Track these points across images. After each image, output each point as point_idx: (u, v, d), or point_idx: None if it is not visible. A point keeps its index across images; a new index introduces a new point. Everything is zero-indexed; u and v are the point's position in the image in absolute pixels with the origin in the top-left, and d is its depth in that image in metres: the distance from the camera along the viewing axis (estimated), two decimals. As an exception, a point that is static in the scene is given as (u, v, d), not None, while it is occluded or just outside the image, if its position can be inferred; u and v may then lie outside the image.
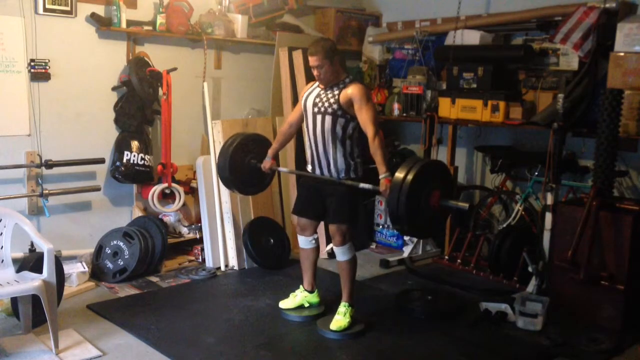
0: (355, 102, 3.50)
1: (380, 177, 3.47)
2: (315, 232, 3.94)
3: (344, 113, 3.55)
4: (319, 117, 3.61)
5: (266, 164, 3.97)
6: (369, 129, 3.49)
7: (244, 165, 4.04)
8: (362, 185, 3.57)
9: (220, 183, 4.87)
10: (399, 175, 3.17)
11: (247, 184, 4.16)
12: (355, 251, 3.82)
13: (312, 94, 3.69)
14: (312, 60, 3.56)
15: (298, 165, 5.03)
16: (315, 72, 3.60)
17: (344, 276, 3.77)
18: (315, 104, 3.63)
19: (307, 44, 5.38)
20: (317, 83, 3.70)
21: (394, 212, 3.15)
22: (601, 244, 3.87)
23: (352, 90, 3.52)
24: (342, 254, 3.73)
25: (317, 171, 3.73)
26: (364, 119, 3.49)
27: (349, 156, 3.64)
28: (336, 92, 3.57)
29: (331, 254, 5.11)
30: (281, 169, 4.23)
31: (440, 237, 5.22)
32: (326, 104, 3.58)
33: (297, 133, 5.21)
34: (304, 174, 3.92)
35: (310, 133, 3.69)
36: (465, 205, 3.14)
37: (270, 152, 3.99)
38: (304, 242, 3.94)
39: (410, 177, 3.14)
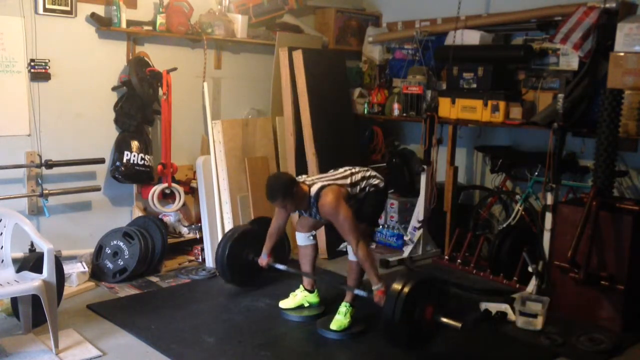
0: (331, 220, 3.54)
1: (373, 288, 3.49)
2: (314, 230, 3.95)
3: None
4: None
5: (262, 261, 4.05)
6: (349, 240, 3.52)
7: (241, 257, 4.18)
8: (356, 291, 3.67)
9: (220, 183, 4.89)
10: (396, 287, 3.22)
11: (243, 276, 4.27)
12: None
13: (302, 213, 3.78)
14: (275, 205, 3.65)
15: (298, 172, 5.03)
16: (283, 209, 3.71)
17: (352, 276, 3.78)
18: (314, 218, 3.76)
19: (307, 44, 5.44)
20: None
21: (388, 323, 3.20)
22: (601, 244, 3.87)
23: (323, 210, 3.52)
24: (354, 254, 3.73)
25: None
26: (343, 232, 3.52)
27: (362, 194, 3.72)
28: (316, 213, 3.62)
29: (331, 253, 5.12)
30: (278, 265, 4.13)
31: (440, 237, 5.22)
32: (323, 221, 3.73)
33: (298, 136, 5.25)
34: (303, 273, 3.98)
35: None
36: (458, 324, 3.21)
37: (265, 250, 4.04)
38: (301, 238, 3.95)
39: (406, 290, 3.19)
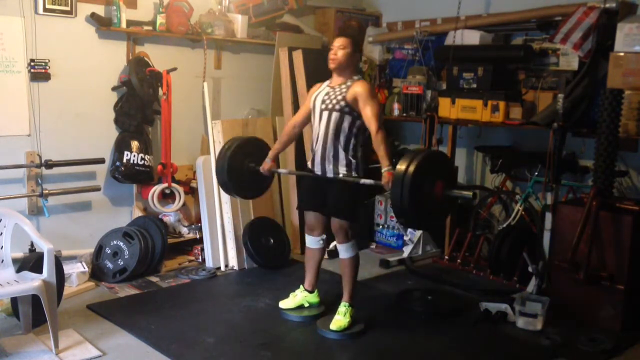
0: (360, 99, 3.54)
1: (383, 170, 3.48)
2: (324, 233, 3.91)
3: (351, 110, 3.58)
4: (325, 114, 3.64)
5: (265, 165, 3.91)
6: (372, 124, 3.52)
7: (242, 168, 3.98)
8: (362, 180, 3.58)
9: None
10: (401, 167, 3.15)
11: (245, 187, 4.09)
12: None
13: (321, 93, 3.72)
14: (339, 40, 3.64)
15: (298, 166, 5.02)
16: (332, 52, 3.64)
17: (346, 274, 3.78)
18: (323, 101, 3.67)
19: (307, 44, 5.44)
20: (326, 83, 3.75)
21: (397, 205, 3.13)
22: (601, 244, 3.87)
23: (357, 88, 3.57)
24: (344, 251, 3.74)
25: (318, 167, 3.72)
26: (368, 114, 3.53)
27: (352, 154, 3.65)
28: (344, 89, 3.61)
29: (331, 253, 5.12)
30: (281, 170, 4.13)
31: (440, 237, 5.22)
32: (334, 101, 3.61)
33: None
34: (304, 174, 3.93)
35: (316, 129, 3.71)
36: (469, 193, 3.12)
37: (271, 153, 3.94)
38: (311, 241, 3.92)
39: (412, 168, 3.10)
